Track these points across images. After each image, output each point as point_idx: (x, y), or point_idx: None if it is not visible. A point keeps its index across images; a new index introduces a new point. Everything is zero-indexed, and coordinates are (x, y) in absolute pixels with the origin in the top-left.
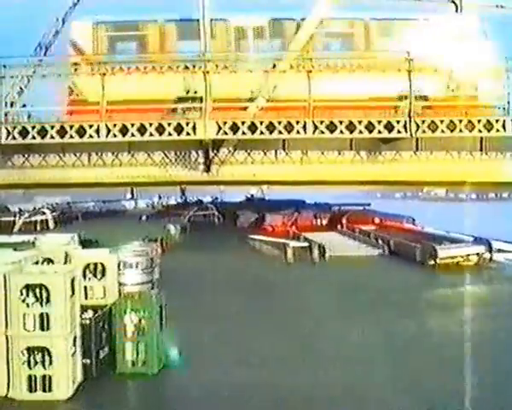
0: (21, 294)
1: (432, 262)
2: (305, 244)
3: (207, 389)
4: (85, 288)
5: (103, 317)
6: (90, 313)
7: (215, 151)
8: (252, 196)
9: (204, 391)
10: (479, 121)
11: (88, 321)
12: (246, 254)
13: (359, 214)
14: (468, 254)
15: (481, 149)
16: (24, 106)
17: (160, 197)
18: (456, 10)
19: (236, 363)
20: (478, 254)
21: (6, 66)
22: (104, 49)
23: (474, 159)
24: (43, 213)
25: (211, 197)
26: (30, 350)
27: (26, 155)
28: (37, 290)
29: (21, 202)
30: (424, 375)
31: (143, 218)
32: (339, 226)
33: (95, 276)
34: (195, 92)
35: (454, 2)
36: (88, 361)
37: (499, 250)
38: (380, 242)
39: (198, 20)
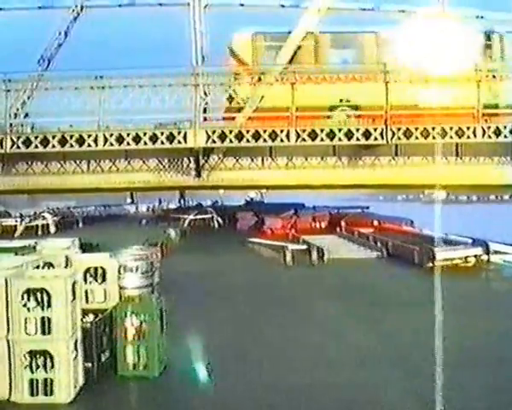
0: (22, 298)
1: (430, 264)
2: (304, 247)
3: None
4: (86, 292)
5: (104, 320)
6: (91, 317)
7: (205, 158)
8: (251, 199)
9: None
10: (451, 128)
11: (89, 325)
12: (245, 258)
13: (358, 217)
14: (466, 256)
15: (457, 154)
16: (26, 115)
17: (160, 202)
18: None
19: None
20: (476, 256)
21: (11, 80)
22: (262, 58)
23: (449, 163)
24: (44, 218)
25: (211, 201)
26: (31, 354)
27: (30, 163)
28: (39, 294)
29: (27, 207)
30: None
31: (143, 222)
32: (338, 229)
33: (95, 280)
34: (348, 101)
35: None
36: (89, 365)
37: (496, 252)
38: (378, 244)
39: (349, 32)
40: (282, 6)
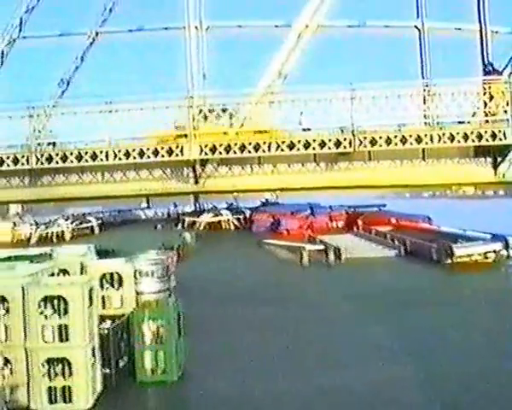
0: (39, 306)
1: (448, 261)
2: (321, 247)
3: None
4: (103, 298)
5: (121, 326)
6: (108, 323)
7: (202, 167)
8: (266, 200)
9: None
10: (410, 136)
11: (106, 331)
12: (261, 260)
13: (375, 215)
14: (486, 252)
15: (423, 158)
16: (50, 131)
17: (175, 205)
18: (420, 34)
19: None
20: (495, 251)
21: (34, 107)
22: None
23: (414, 165)
24: (59, 225)
25: (226, 203)
26: (49, 362)
27: (53, 176)
28: (55, 302)
29: (53, 214)
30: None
31: (159, 226)
32: (354, 228)
33: (112, 285)
34: None
35: (417, 27)
36: (107, 371)
37: None
38: (396, 242)
39: None
40: (276, 26)
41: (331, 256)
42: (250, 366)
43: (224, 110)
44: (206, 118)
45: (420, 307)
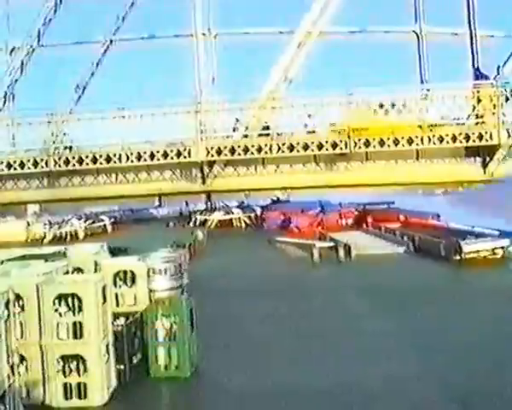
0: (54, 304)
1: (457, 257)
2: (331, 244)
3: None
4: (116, 295)
5: (135, 323)
6: (121, 320)
7: (209, 168)
8: (277, 198)
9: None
10: (402, 138)
11: (120, 328)
12: (272, 257)
13: (384, 213)
14: (494, 248)
15: (417, 158)
16: (67, 135)
17: (187, 204)
18: (418, 39)
19: None
20: (503, 247)
21: (53, 113)
22: None
23: (409, 165)
24: (72, 225)
25: (237, 202)
26: (64, 358)
27: (69, 177)
28: (70, 300)
29: (69, 213)
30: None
31: (171, 224)
32: (364, 225)
33: (125, 283)
34: None
35: (415, 33)
36: (122, 367)
37: None
38: (405, 239)
39: None
40: (281, 33)
41: (341, 253)
42: (262, 361)
43: (393, 105)
44: (374, 111)
45: (428, 302)
